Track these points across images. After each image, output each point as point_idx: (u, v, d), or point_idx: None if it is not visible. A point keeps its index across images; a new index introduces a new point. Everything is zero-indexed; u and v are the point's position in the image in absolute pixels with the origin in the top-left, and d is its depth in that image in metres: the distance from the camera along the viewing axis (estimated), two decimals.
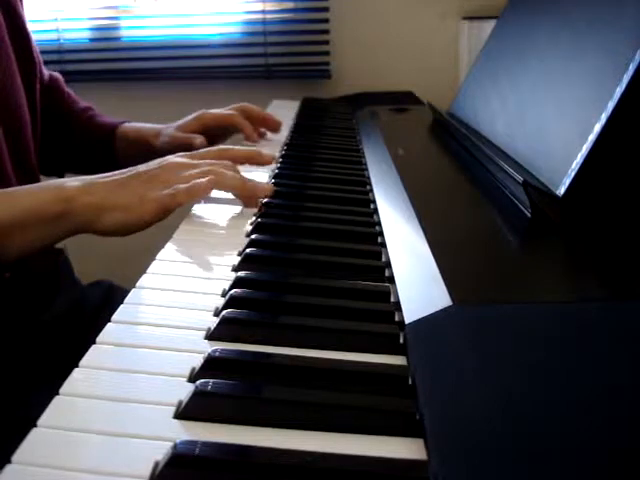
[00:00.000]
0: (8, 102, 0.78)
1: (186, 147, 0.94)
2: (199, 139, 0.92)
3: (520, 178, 0.54)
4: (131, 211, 0.59)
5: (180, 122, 0.97)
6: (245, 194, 0.66)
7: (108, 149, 0.99)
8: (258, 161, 0.78)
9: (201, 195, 0.62)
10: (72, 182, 0.61)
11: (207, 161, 0.67)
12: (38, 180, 0.86)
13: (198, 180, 0.62)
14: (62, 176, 1.04)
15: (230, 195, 0.67)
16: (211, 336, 0.42)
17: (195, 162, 0.66)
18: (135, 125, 1.00)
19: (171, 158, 0.66)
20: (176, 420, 0.34)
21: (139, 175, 0.63)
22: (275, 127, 1.02)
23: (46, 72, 0.96)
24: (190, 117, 0.98)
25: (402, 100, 1.21)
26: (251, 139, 0.97)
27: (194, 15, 1.63)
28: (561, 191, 0.53)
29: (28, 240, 0.59)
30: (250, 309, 0.45)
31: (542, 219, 0.53)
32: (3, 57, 0.78)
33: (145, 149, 0.98)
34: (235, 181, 0.65)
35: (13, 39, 0.81)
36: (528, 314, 0.38)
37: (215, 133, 0.99)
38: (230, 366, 0.38)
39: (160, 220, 0.60)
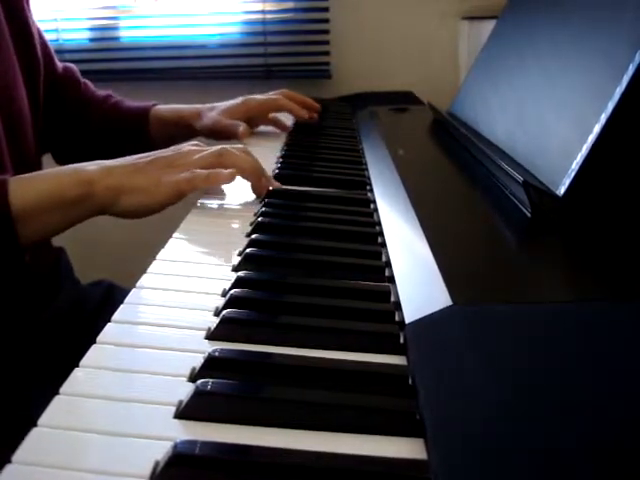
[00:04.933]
0: (8, 98, 0.78)
1: (228, 134, 0.94)
2: (242, 127, 0.93)
3: (520, 178, 0.54)
4: (148, 194, 0.62)
5: (224, 106, 0.98)
6: (255, 179, 0.69)
7: (141, 133, 0.98)
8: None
9: (220, 183, 0.65)
10: (91, 166, 0.62)
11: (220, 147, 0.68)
12: None
13: (220, 170, 0.64)
14: None
15: (231, 193, 0.67)
16: (211, 336, 0.42)
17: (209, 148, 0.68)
18: (170, 106, 1.00)
19: (186, 145, 0.69)
20: (176, 420, 0.34)
21: (156, 160, 0.64)
22: (316, 110, 1.09)
23: (60, 64, 0.96)
24: (235, 102, 0.99)
25: (402, 100, 1.20)
26: (300, 116, 1.04)
27: (194, 15, 1.63)
28: (561, 191, 0.53)
29: (49, 223, 0.61)
30: (250, 309, 0.45)
31: (542, 219, 0.53)
32: (4, 52, 0.78)
33: (185, 130, 0.98)
34: (247, 163, 0.67)
35: (14, 35, 0.80)
36: (528, 314, 0.38)
37: (256, 119, 1.03)
38: (230, 366, 0.38)
39: (174, 203, 0.63)
